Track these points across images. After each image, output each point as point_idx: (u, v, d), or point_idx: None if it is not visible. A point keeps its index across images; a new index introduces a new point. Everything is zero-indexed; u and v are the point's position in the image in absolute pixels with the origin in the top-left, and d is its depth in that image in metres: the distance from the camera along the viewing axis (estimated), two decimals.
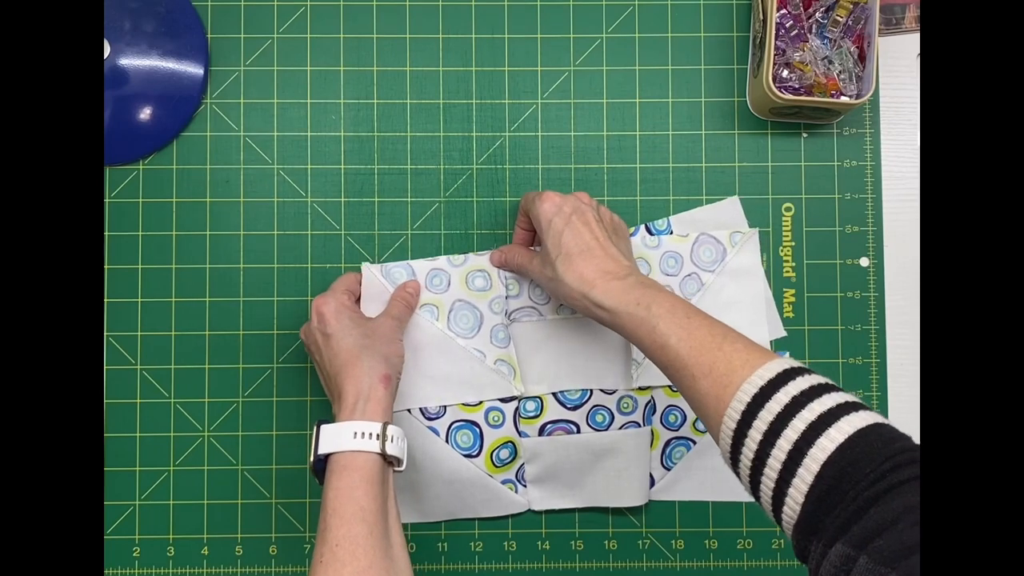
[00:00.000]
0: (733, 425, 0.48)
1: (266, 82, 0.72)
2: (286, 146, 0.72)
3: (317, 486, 0.70)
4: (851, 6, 0.67)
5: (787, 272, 0.72)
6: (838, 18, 0.67)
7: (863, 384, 0.71)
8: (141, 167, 0.71)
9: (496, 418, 0.68)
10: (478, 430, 0.68)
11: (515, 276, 0.69)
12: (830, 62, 0.67)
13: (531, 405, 0.69)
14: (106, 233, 0.71)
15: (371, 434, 0.57)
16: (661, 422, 0.70)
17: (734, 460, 0.49)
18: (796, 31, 0.67)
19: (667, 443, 0.71)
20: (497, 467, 0.69)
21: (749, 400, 0.47)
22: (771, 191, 0.72)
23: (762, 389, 0.47)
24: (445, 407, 0.68)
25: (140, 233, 0.71)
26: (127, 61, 0.70)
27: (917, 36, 0.72)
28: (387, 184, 0.72)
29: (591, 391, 0.69)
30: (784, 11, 0.67)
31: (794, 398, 0.46)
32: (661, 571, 0.71)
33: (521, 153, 0.72)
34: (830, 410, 0.45)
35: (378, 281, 0.70)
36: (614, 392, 0.69)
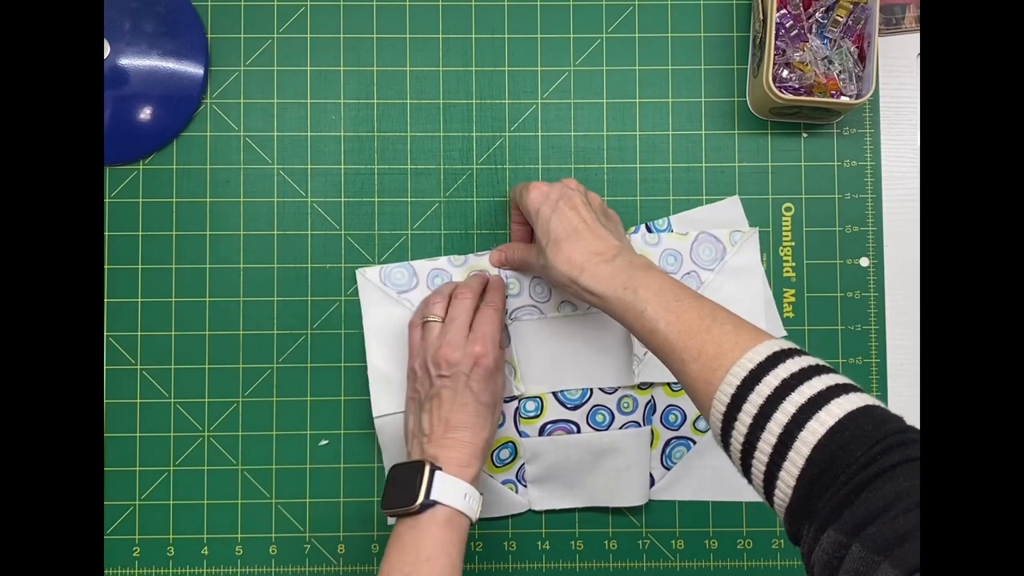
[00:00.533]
0: (723, 408, 0.47)
1: (266, 82, 0.72)
2: (286, 146, 0.72)
3: (317, 486, 0.71)
4: (851, 6, 0.67)
5: (787, 272, 0.72)
6: (838, 18, 0.67)
7: (863, 384, 0.71)
8: (141, 167, 0.71)
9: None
10: None
11: (515, 275, 0.69)
12: (830, 62, 0.67)
13: (531, 405, 0.69)
14: (106, 233, 0.71)
15: (473, 499, 0.58)
16: (661, 422, 0.70)
17: (725, 443, 0.48)
18: (796, 31, 0.67)
19: (667, 443, 0.71)
20: (497, 467, 0.69)
21: (739, 383, 0.47)
22: (771, 191, 0.72)
23: (752, 372, 0.47)
24: None
25: (140, 233, 0.71)
26: (127, 61, 0.70)
27: (917, 36, 0.72)
28: (387, 184, 0.72)
29: (591, 391, 0.69)
30: (784, 11, 0.67)
31: (784, 381, 0.46)
32: (661, 571, 0.71)
33: (521, 153, 0.72)
34: (820, 393, 0.45)
35: (376, 287, 0.70)
36: (614, 392, 0.69)
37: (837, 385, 0.45)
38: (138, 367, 0.71)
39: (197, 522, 0.71)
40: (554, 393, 0.69)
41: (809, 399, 0.45)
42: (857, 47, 0.68)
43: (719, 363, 0.49)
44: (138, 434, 0.71)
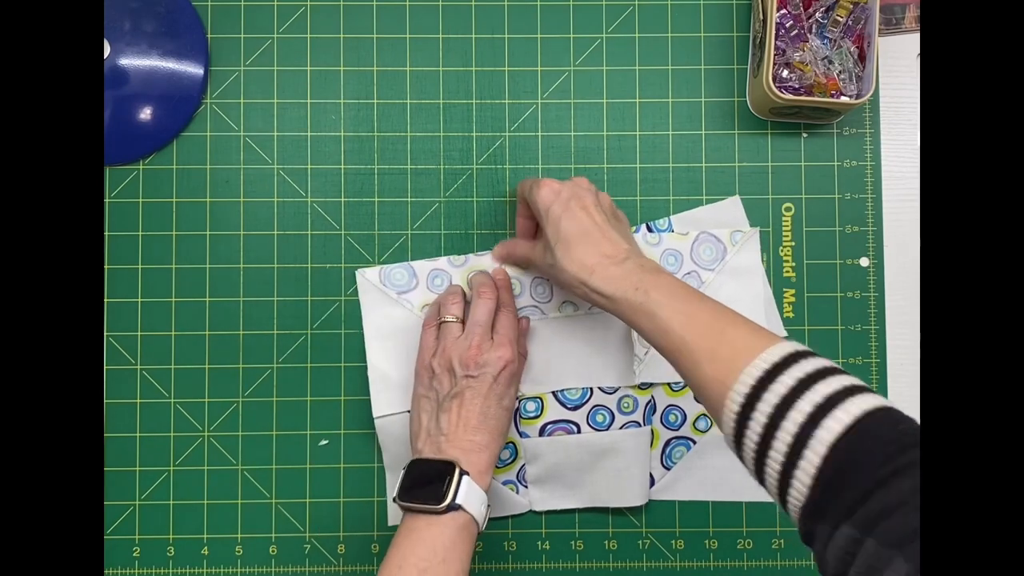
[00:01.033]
0: (736, 409, 0.47)
1: (266, 82, 0.72)
2: (286, 146, 0.72)
3: (317, 487, 0.71)
4: (851, 6, 0.67)
5: (787, 272, 0.72)
6: (838, 18, 0.67)
7: None
8: (141, 167, 0.71)
9: None
10: None
11: (517, 275, 0.69)
12: (830, 62, 0.67)
13: (531, 405, 0.69)
14: (106, 233, 0.71)
15: (486, 507, 0.59)
16: (661, 422, 0.70)
17: (738, 444, 0.48)
18: (796, 31, 0.67)
19: (667, 443, 0.71)
20: (498, 468, 0.69)
21: (753, 383, 0.47)
22: (771, 191, 0.72)
23: (767, 372, 0.47)
24: None
25: (140, 233, 0.71)
26: (127, 61, 0.70)
27: (917, 36, 0.72)
28: (387, 184, 0.72)
29: (591, 391, 0.69)
30: (784, 11, 0.67)
31: (800, 380, 0.46)
32: (661, 571, 0.71)
33: (521, 153, 0.72)
34: (836, 392, 0.45)
35: (375, 288, 0.70)
36: (614, 392, 0.69)
37: (852, 386, 0.45)
38: (138, 367, 0.71)
39: (197, 522, 0.71)
40: (554, 393, 0.69)
41: (826, 398, 0.45)
42: (857, 47, 0.68)
43: (734, 364, 0.48)
44: (138, 434, 0.71)
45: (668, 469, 0.71)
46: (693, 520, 0.71)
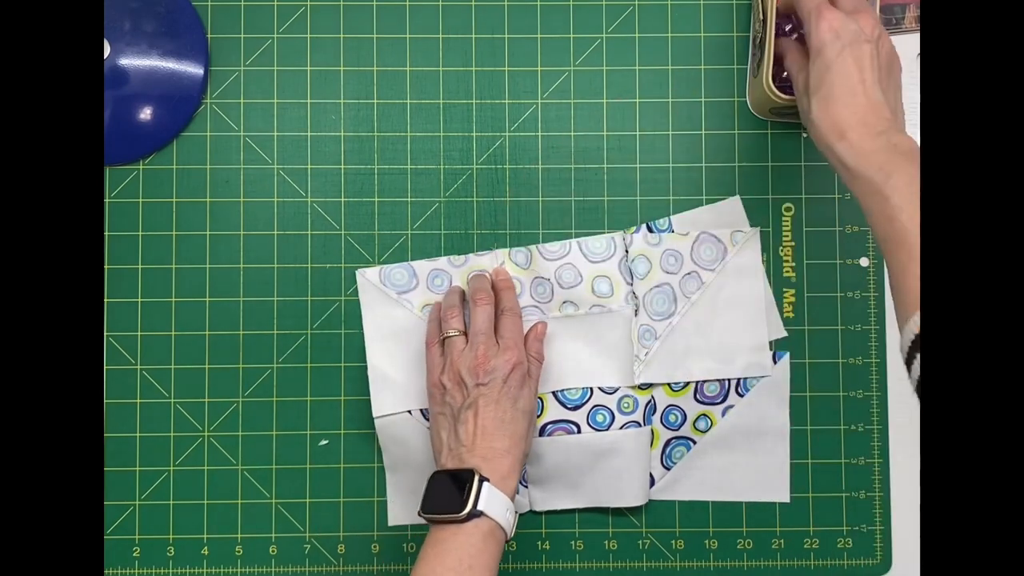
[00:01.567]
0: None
1: (266, 82, 0.72)
2: (286, 146, 0.72)
3: (317, 486, 0.71)
4: None
5: (787, 272, 0.72)
6: None
7: (863, 384, 0.71)
8: (141, 167, 0.71)
9: None
10: None
11: (516, 275, 0.69)
12: None
13: None
14: (106, 233, 0.71)
15: (511, 514, 0.58)
16: (661, 422, 0.70)
17: (910, 359, 0.47)
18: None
19: (667, 443, 0.71)
20: None
21: None
22: (771, 191, 0.72)
23: None
24: None
25: (140, 233, 0.71)
26: (127, 61, 0.70)
27: (917, 36, 0.72)
28: (387, 184, 0.72)
29: (591, 390, 0.69)
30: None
31: None
32: (661, 571, 0.71)
33: (521, 153, 0.72)
34: None
35: (375, 288, 0.70)
36: (614, 392, 0.69)
37: None
38: (138, 367, 0.71)
39: (197, 522, 0.71)
40: (554, 393, 0.69)
41: None
42: None
43: None
44: (138, 434, 0.71)
45: (668, 469, 0.71)
46: (693, 520, 0.71)
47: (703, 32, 0.72)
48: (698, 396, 0.70)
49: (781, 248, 0.72)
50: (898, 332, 0.71)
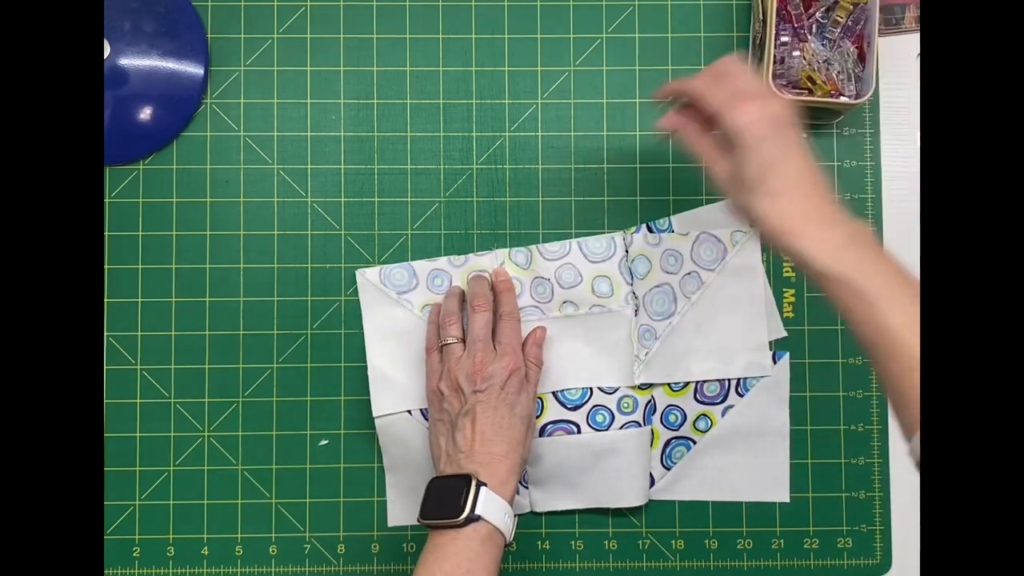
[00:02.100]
0: None
1: (266, 82, 0.72)
2: (286, 146, 0.72)
3: (317, 486, 0.71)
4: (851, 6, 0.67)
5: (787, 272, 0.72)
6: (838, 19, 0.67)
7: (863, 385, 0.71)
8: (141, 167, 0.71)
9: None
10: None
11: (516, 275, 0.69)
12: (830, 64, 0.67)
13: None
14: (106, 233, 0.71)
15: (510, 518, 0.58)
16: (661, 422, 0.70)
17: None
18: (795, 33, 0.67)
19: (667, 443, 0.71)
20: None
21: None
22: None
23: None
24: None
25: (140, 233, 0.71)
26: (127, 61, 0.70)
27: (917, 36, 0.72)
28: (387, 184, 0.72)
29: (591, 390, 0.69)
30: (784, 12, 0.67)
31: None
32: (661, 571, 0.71)
33: (521, 153, 0.72)
34: None
35: (375, 288, 0.70)
36: (614, 392, 0.69)
37: None
38: (138, 367, 0.71)
39: (197, 522, 0.71)
40: (554, 393, 0.69)
41: None
42: (857, 47, 0.68)
43: None
44: (138, 434, 0.71)
45: (668, 469, 0.71)
46: (693, 520, 0.71)
47: (703, 32, 0.72)
48: (698, 396, 0.70)
49: None
50: None
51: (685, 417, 0.71)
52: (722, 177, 0.55)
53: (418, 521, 0.58)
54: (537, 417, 0.68)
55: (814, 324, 0.71)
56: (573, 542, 0.71)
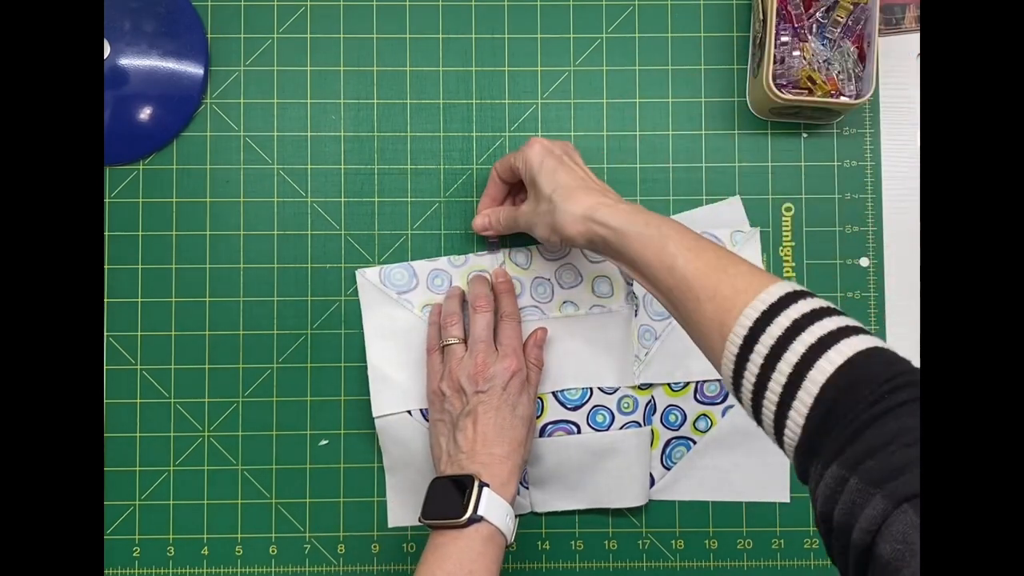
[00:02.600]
0: (735, 350, 0.47)
1: (266, 82, 0.72)
2: (286, 146, 0.72)
3: (317, 486, 0.71)
4: (851, 6, 0.67)
5: (787, 272, 0.72)
6: (838, 18, 0.67)
7: None
8: (141, 167, 0.71)
9: None
10: None
11: (517, 275, 0.69)
12: (830, 63, 0.67)
13: None
14: (106, 233, 0.71)
15: (511, 519, 0.59)
16: (661, 422, 0.70)
17: (736, 386, 0.48)
18: (794, 32, 0.67)
19: (667, 443, 0.71)
20: None
21: (751, 324, 0.47)
22: (771, 191, 0.72)
23: (764, 313, 0.47)
24: None
25: (140, 233, 0.71)
26: (127, 61, 0.70)
27: (917, 36, 0.72)
28: (387, 184, 0.72)
29: (591, 391, 0.69)
30: (784, 11, 0.67)
31: (795, 321, 0.46)
32: (661, 571, 0.71)
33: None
34: (830, 333, 0.45)
35: (375, 288, 0.70)
36: (614, 392, 0.69)
37: (847, 327, 0.45)
38: (138, 367, 0.71)
39: (197, 522, 0.71)
40: (554, 393, 0.69)
41: (819, 339, 0.44)
42: (857, 47, 0.68)
43: (733, 303, 0.48)
44: (138, 434, 0.71)
45: (668, 469, 0.71)
46: (693, 520, 0.71)
47: (703, 32, 0.72)
48: (698, 396, 0.70)
49: (781, 248, 0.72)
50: (890, 334, 0.72)
51: (685, 417, 0.71)
52: (525, 211, 0.63)
53: (420, 521, 0.59)
54: (537, 417, 0.68)
55: None
56: (573, 542, 0.71)
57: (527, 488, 0.70)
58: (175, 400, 0.71)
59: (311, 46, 0.72)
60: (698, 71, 0.72)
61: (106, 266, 0.71)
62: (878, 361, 0.43)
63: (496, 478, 0.59)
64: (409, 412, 0.69)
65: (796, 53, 0.68)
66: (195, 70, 0.71)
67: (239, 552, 0.71)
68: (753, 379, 0.47)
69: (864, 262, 0.72)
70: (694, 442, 0.71)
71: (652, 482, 0.71)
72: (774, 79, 0.67)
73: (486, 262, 0.70)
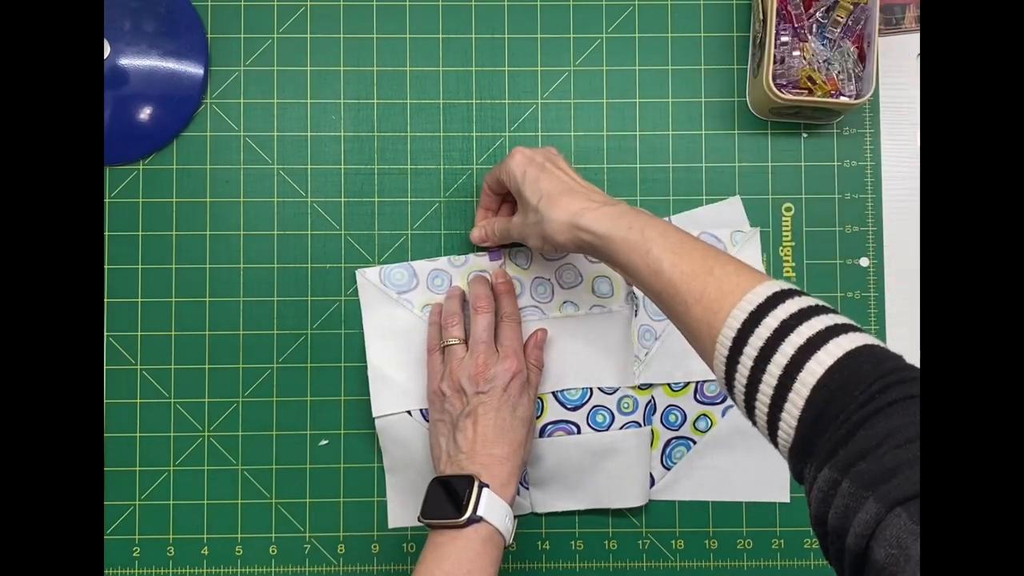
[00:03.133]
0: (725, 352, 0.47)
1: (266, 82, 0.72)
2: (286, 146, 0.72)
3: (317, 486, 0.71)
4: (851, 6, 0.67)
5: (787, 272, 0.72)
6: (838, 18, 0.67)
7: None
8: (141, 167, 0.71)
9: None
10: None
11: (517, 275, 0.69)
12: (830, 63, 0.67)
13: None
14: (106, 233, 0.71)
15: (511, 520, 0.59)
16: (661, 422, 0.70)
17: (729, 387, 0.48)
18: (794, 33, 0.67)
19: (667, 443, 0.71)
20: None
21: (739, 326, 0.47)
22: (771, 191, 0.72)
23: (751, 314, 0.47)
24: None
25: (140, 233, 0.71)
26: (127, 61, 0.70)
27: (917, 36, 0.72)
28: (387, 184, 0.72)
29: (591, 391, 0.69)
30: (784, 11, 0.67)
31: (782, 322, 0.45)
32: (661, 571, 0.71)
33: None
34: (819, 333, 0.44)
35: (375, 288, 0.70)
36: (614, 392, 0.69)
37: (836, 325, 0.45)
38: (138, 367, 0.71)
39: (197, 522, 0.71)
40: (554, 393, 0.69)
41: (808, 339, 0.44)
42: (857, 47, 0.68)
43: (720, 305, 0.48)
44: (138, 434, 0.71)
45: (668, 469, 0.71)
46: (693, 520, 0.71)
47: (703, 32, 0.72)
48: (698, 396, 0.70)
49: (781, 248, 0.72)
50: (890, 335, 0.72)
51: (685, 417, 0.71)
52: (517, 223, 0.63)
53: (419, 520, 0.59)
54: (537, 418, 0.68)
55: None
56: (573, 542, 0.71)
57: (527, 488, 0.70)
58: (175, 400, 0.71)
59: (311, 46, 0.72)
60: (698, 71, 0.72)
61: (106, 266, 0.71)
62: (868, 359, 0.43)
63: (496, 479, 0.59)
64: (409, 412, 0.69)
65: (796, 53, 0.68)
66: (195, 70, 0.71)
67: (239, 552, 0.71)
68: (744, 381, 0.47)
69: (864, 262, 0.72)
70: (694, 442, 0.71)
71: (652, 482, 0.71)
72: (774, 79, 0.67)
73: (486, 262, 0.70)
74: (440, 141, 0.72)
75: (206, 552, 0.71)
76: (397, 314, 0.70)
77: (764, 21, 0.67)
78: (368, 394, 0.69)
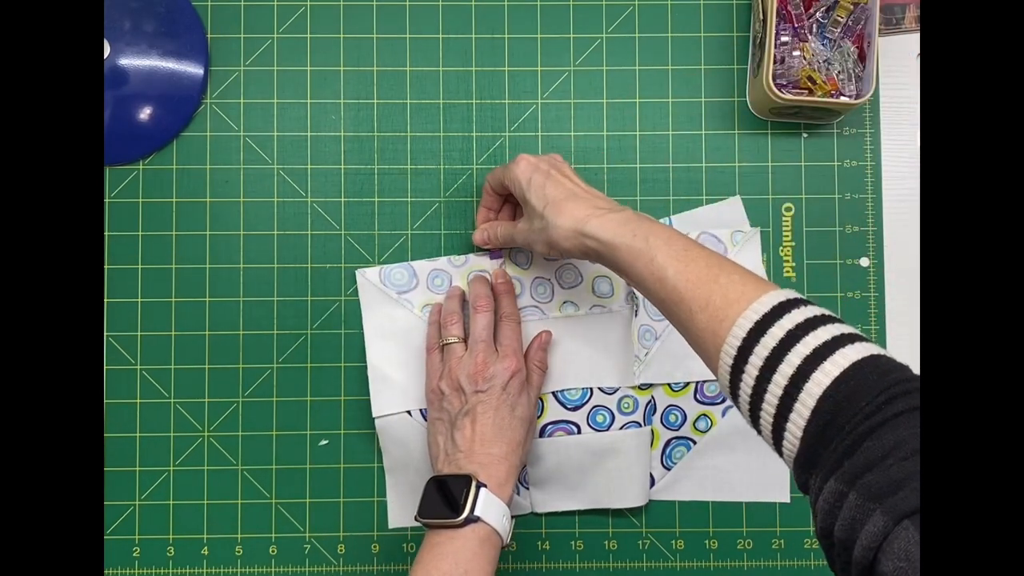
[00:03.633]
0: (730, 361, 0.47)
1: (266, 82, 0.72)
2: (286, 146, 0.72)
3: (317, 486, 0.71)
4: (851, 6, 0.67)
5: (787, 272, 0.72)
6: (838, 18, 0.67)
7: None
8: (141, 167, 0.71)
9: None
10: None
11: (516, 275, 0.69)
12: (830, 63, 0.67)
13: None
14: (106, 233, 0.71)
15: (508, 520, 0.59)
16: (661, 422, 0.70)
17: (733, 395, 0.48)
18: (794, 32, 0.67)
19: (667, 443, 0.71)
20: None
21: (744, 335, 0.47)
22: (771, 191, 0.72)
23: (757, 323, 0.46)
24: None
25: (140, 233, 0.71)
26: (127, 61, 0.70)
27: (917, 36, 0.72)
28: (387, 184, 0.72)
29: (591, 391, 0.69)
30: (784, 11, 0.67)
31: (789, 332, 0.45)
32: (661, 571, 0.71)
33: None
34: (825, 343, 0.44)
35: (375, 288, 0.70)
36: (615, 392, 0.69)
37: (842, 335, 0.45)
38: (138, 367, 0.71)
39: (197, 522, 0.71)
40: (554, 393, 0.69)
41: (814, 350, 0.44)
42: (857, 47, 0.68)
43: (725, 314, 0.48)
44: (138, 434, 0.71)
45: (668, 469, 0.71)
46: (693, 520, 0.71)
47: (703, 32, 0.72)
48: (698, 396, 0.70)
49: (781, 248, 0.72)
50: (890, 335, 0.72)
51: (685, 417, 0.71)
52: (522, 230, 0.63)
53: (416, 520, 0.59)
54: (537, 418, 0.68)
55: None
56: (573, 542, 0.71)
57: (527, 488, 0.70)
58: (175, 400, 0.71)
59: (311, 46, 0.72)
60: (698, 71, 0.72)
61: (106, 266, 0.71)
62: (874, 370, 0.43)
63: (493, 478, 0.59)
64: (409, 412, 0.69)
65: (796, 53, 0.68)
66: (195, 70, 0.71)
67: (239, 552, 0.71)
68: (749, 391, 0.46)
69: (864, 262, 0.72)
70: (694, 442, 0.71)
71: (652, 482, 0.71)
72: (774, 79, 0.67)
73: (486, 262, 0.70)
74: (440, 141, 0.72)
75: (206, 552, 0.71)
76: (397, 314, 0.70)
77: (764, 21, 0.67)
78: (368, 394, 0.69)
